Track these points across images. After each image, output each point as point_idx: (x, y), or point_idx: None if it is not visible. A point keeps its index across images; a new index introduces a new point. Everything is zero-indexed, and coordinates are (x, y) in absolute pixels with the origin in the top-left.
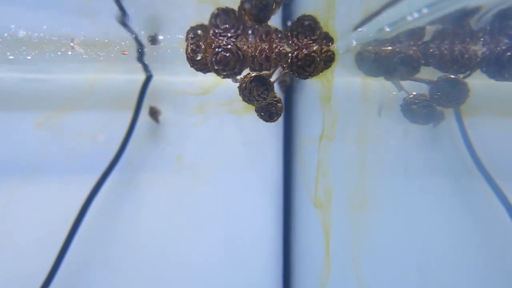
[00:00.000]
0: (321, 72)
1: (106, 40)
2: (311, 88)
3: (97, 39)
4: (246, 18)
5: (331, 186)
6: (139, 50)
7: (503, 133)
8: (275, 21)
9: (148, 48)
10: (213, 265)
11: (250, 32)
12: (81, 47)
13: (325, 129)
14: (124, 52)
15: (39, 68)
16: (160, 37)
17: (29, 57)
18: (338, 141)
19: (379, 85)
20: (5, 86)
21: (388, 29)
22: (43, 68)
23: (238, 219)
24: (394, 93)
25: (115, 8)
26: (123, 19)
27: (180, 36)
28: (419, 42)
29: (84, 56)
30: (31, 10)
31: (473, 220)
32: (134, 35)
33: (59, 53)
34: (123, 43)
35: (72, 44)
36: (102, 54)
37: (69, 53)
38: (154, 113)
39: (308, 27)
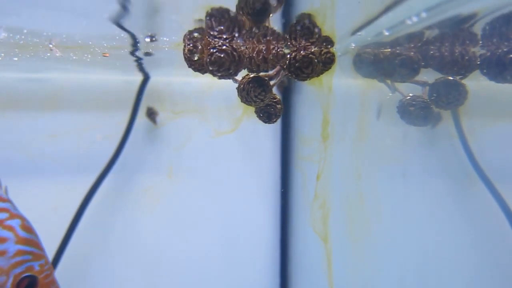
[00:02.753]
0: (320, 74)
1: (90, 42)
2: (310, 89)
3: (79, 41)
4: (243, 18)
5: (329, 188)
6: (135, 50)
7: (502, 136)
8: (274, 23)
9: (144, 48)
10: (210, 266)
11: (246, 33)
12: (58, 49)
13: (324, 132)
14: (105, 54)
15: (33, 68)
16: (152, 39)
17: (15, 59)
18: (336, 142)
19: (377, 87)
20: (4, 86)
21: (387, 33)
22: (36, 68)
23: (235, 220)
24: (390, 94)
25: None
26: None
27: (171, 38)
28: (419, 44)
29: (74, 58)
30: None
31: (472, 223)
32: (131, 34)
33: (48, 54)
34: (105, 44)
35: (51, 46)
36: (89, 56)
37: (57, 54)
38: (151, 114)
39: (306, 29)
